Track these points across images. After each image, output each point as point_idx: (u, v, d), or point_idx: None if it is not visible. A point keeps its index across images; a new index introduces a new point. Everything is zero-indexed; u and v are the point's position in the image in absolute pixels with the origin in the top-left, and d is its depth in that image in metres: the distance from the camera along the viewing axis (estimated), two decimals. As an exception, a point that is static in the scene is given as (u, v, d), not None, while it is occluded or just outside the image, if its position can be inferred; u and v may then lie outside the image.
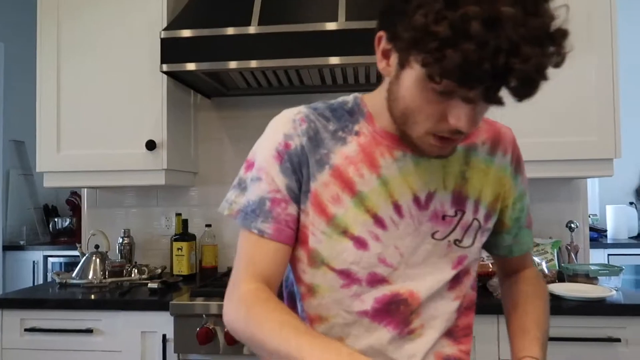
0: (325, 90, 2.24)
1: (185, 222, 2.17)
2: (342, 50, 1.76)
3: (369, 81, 2.16)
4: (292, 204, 0.78)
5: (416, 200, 0.79)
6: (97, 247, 2.14)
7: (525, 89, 0.61)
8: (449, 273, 0.81)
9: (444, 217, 0.80)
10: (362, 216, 0.77)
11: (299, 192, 0.78)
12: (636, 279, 3.54)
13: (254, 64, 1.81)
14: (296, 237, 0.80)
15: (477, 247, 0.83)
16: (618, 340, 1.70)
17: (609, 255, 3.46)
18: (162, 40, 1.85)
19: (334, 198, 0.77)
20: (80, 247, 2.26)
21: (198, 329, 1.64)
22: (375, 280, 0.79)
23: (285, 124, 0.80)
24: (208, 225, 2.24)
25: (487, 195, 0.83)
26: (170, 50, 1.84)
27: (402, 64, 0.68)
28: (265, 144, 0.81)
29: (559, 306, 1.65)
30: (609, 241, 3.63)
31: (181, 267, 2.12)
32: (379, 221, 0.78)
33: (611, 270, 1.90)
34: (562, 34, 0.61)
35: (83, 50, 2.05)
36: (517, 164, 0.88)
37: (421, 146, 0.73)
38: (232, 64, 1.82)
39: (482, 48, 0.56)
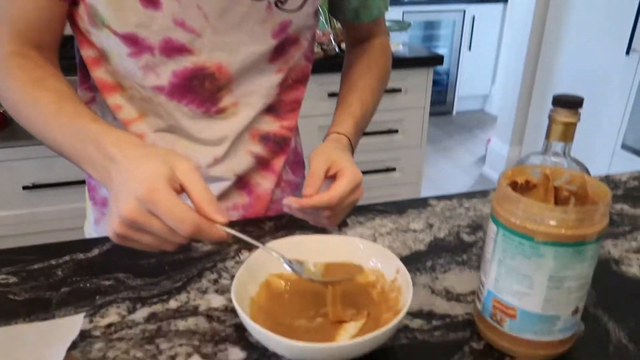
0: None
1: None
2: None
3: None
4: None
5: None
6: None
7: None
8: (268, 42, 0.67)
9: None
10: None
11: None
12: (424, 34, 3.89)
13: None
14: None
15: (306, 12, 0.68)
16: (399, 90, 1.87)
17: (404, 12, 3.66)
18: None
19: None
20: None
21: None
22: (173, 49, 0.63)
23: None
24: None
25: None
26: None
27: None
28: None
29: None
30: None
31: None
32: None
33: (400, 25, 1.98)
34: None
35: None
36: None
37: None
38: None
39: None
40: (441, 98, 4.15)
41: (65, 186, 1.64)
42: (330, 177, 0.62)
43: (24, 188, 1.64)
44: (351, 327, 0.50)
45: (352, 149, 0.71)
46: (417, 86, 1.90)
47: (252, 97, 0.71)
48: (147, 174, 0.46)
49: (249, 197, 0.77)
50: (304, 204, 0.59)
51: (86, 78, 0.70)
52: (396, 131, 1.95)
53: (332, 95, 1.78)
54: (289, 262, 0.52)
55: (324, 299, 0.54)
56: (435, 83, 3.89)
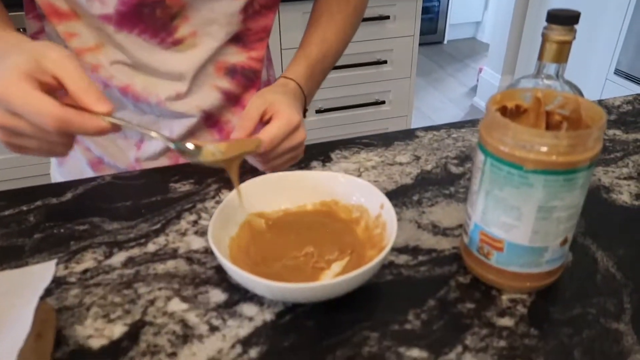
0: None
1: None
2: None
3: None
4: None
5: None
6: None
7: None
8: None
9: None
10: None
11: None
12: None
13: None
14: None
15: None
16: (387, 17, 1.79)
17: None
18: None
19: None
20: None
21: None
22: None
23: None
24: None
25: None
26: None
27: None
28: None
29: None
30: None
31: None
32: None
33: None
34: None
35: None
36: None
37: None
38: None
39: None
40: (432, 26, 4.01)
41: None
42: (267, 122, 0.57)
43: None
44: (335, 266, 0.49)
45: (304, 94, 0.66)
46: (406, 13, 1.81)
47: (212, 26, 0.65)
48: (1, 71, 0.41)
49: (220, 135, 0.73)
50: None
51: (32, 5, 0.64)
52: (385, 62, 1.88)
53: (317, 25, 1.70)
54: (178, 145, 0.49)
55: (307, 238, 0.52)
56: (425, 10, 3.74)
